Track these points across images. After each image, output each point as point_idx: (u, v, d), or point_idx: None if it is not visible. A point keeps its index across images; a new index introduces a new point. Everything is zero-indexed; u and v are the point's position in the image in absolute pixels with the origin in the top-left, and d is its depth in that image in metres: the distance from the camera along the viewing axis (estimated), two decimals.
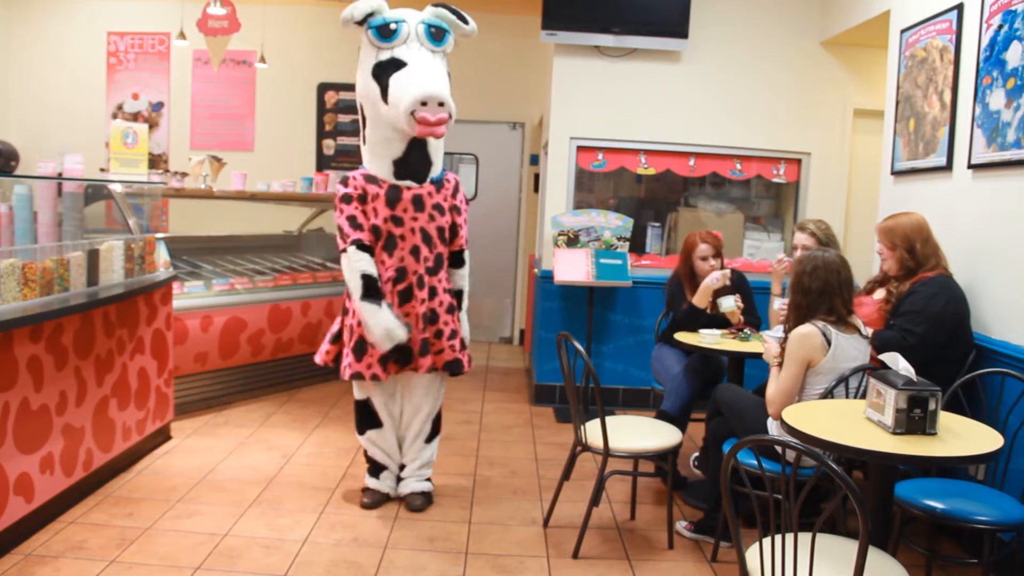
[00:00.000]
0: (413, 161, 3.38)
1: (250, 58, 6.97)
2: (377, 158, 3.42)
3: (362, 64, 3.37)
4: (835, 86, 5.37)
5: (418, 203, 3.40)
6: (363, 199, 3.39)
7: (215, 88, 7.37)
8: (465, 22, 3.41)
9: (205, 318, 4.75)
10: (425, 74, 3.23)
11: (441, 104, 3.17)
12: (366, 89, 3.35)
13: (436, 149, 3.46)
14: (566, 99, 5.36)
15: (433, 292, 3.48)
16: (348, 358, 3.44)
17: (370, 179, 3.41)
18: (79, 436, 3.39)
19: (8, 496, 2.89)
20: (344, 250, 3.35)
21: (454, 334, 3.53)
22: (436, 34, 3.32)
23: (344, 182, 3.41)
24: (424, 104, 3.15)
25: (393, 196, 3.38)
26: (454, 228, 3.56)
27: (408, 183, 3.40)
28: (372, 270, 3.33)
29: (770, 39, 5.34)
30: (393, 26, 3.26)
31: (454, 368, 3.53)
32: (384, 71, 3.27)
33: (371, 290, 3.31)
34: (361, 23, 3.29)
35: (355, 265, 3.32)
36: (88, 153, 4.45)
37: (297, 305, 5.34)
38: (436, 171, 3.49)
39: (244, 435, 4.50)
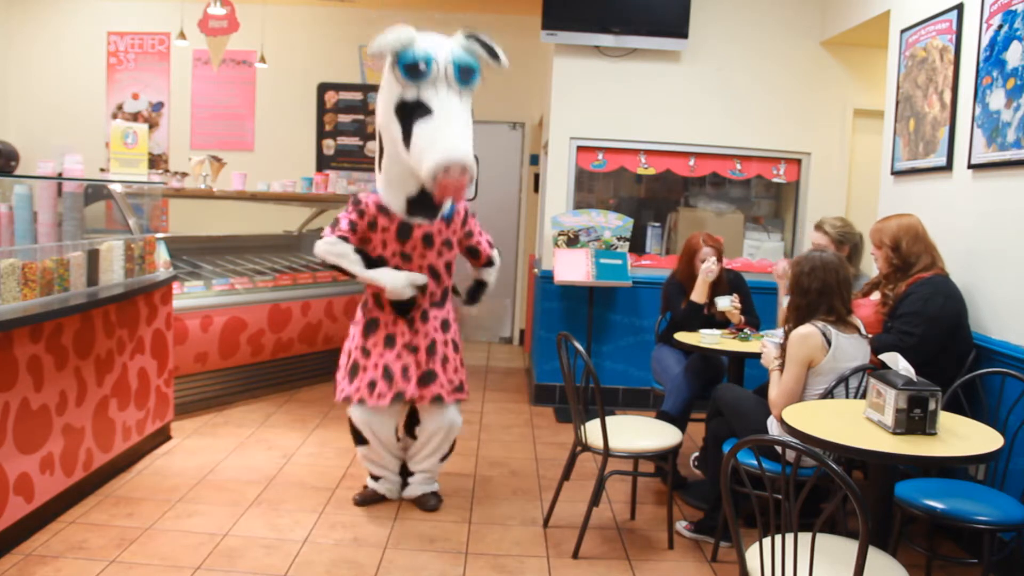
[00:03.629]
0: (427, 200, 3.31)
1: (250, 58, 6.97)
2: (392, 191, 3.35)
3: (384, 93, 3.24)
4: (835, 86, 5.37)
5: (428, 241, 3.39)
6: (372, 227, 3.37)
7: (215, 88, 7.37)
8: (497, 58, 3.23)
9: (205, 318, 4.75)
10: (451, 134, 3.07)
11: (464, 170, 3.04)
12: (387, 124, 3.23)
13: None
14: (566, 99, 5.36)
15: (446, 324, 3.52)
16: (343, 381, 3.49)
17: (382, 209, 3.36)
18: (79, 436, 3.39)
19: (8, 496, 2.89)
20: (324, 236, 3.36)
21: (463, 363, 3.63)
22: (465, 75, 3.15)
23: (357, 203, 3.38)
24: (447, 171, 3.02)
25: (403, 233, 3.36)
26: (473, 250, 3.61)
27: (419, 220, 3.36)
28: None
29: (770, 39, 5.34)
30: (422, 66, 3.07)
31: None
32: (408, 113, 3.13)
33: (369, 261, 3.35)
34: (392, 55, 3.12)
35: (339, 249, 3.33)
36: (88, 153, 4.45)
37: (297, 305, 5.34)
38: (448, 206, 3.43)
39: (244, 435, 4.50)
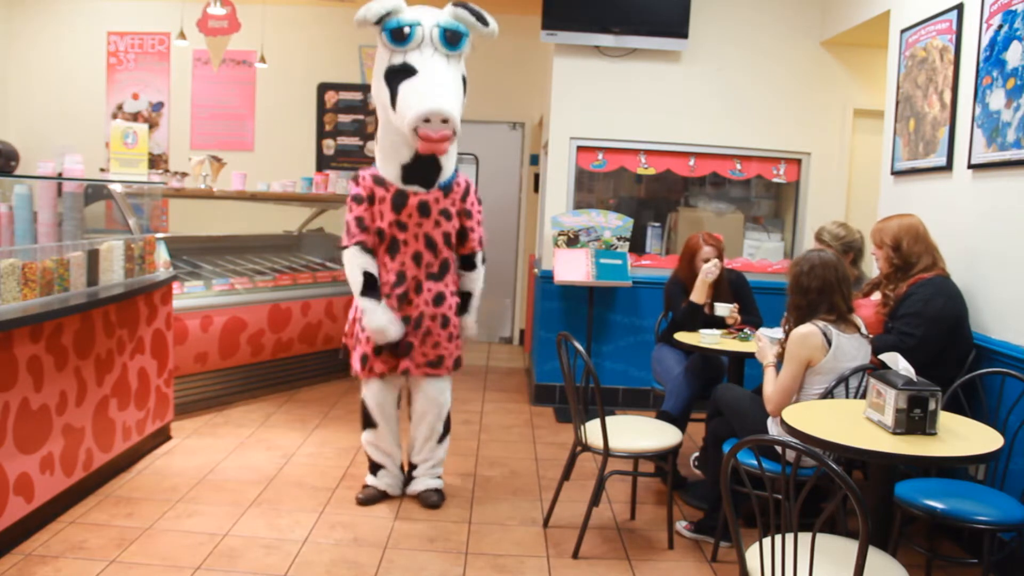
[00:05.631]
0: (421, 167, 3.35)
1: (250, 58, 6.97)
2: (387, 161, 3.41)
3: (377, 65, 3.33)
4: (835, 86, 5.37)
5: (423, 209, 3.40)
6: (371, 200, 3.44)
7: (215, 88, 7.37)
8: (485, 23, 3.30)
9: (205, 318, 4.75)
10: (432, 87, 3.15)
11: (445, 121, 3.11)
12: (378, 92, 3.33)
13: (447, 155, 3.38)
14: (566, 99, 5.36)
15: (440, 297, 3.50)
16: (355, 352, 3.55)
17: (379, 181, 3.43)
18: (79, 436, 3.39)
19: (8, 496, 2.89)
20: (346, 247, 3.45)
21: (451, 337, 3.58)
22: (451, 38, 3.22)
23: (355, 180, 3.48)
24: (427, 121, 3.10)
25: (399, 201, 3.38)
26: (463, 232, 3.56)
27: (415, 188, 3.38)
28: (373, 268, 3.44)
29: (770, 39, 5.34)
30: (407, 30, 3.18)
31: (457, 364, 3.62)
32: (395, 76, 3.22)
33: (370, 287, 3.42)
34: (376, 23, 3.22)
35: (356, 262, 3.43)
36: (88, 153, 4.45)
37: (297, 305, 5.34)
38: (446, 175, 3.44)
39: (244, 435, 4.50)
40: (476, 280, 3.68)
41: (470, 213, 3.55)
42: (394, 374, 3.52)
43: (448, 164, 3.43)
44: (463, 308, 3.66)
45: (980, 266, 3.37)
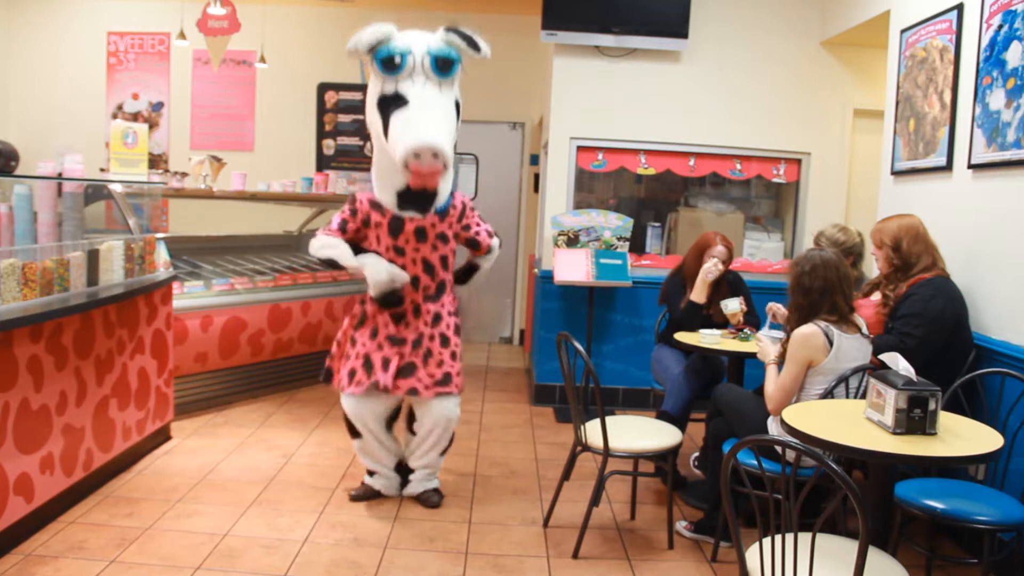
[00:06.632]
0: (416, 193, 3.33)
1: (250, 58, 6.97)
2: (383, 186, 3.41)
3: (370, 90, 3.32)
4: (835, 86, 5.37)
5: (420, 234, 3.40)
6: (366, 223, 3.45)
7: (215, 88, 7.37)
8: (477, 48, 3.26)
9: (205, 318, 4.75)
10: (422, 120, 3.13)
11: (436, 155, 3.09)
12: (372, 118, 3.32)
13: (442, 179, 3.35)
14: (566, 99, 5.36)
15: (437, 318, 3.49)
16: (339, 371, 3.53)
17: (375, 205, 3.43)
18: (79, 436, 3.39)
19: (8, 496, 2.89)
20: (318, 235, 3.54)
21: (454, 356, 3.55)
22: (443, 66, 3.19)
23: (352, 201, 3.49)
24: (417, 156, 3.08)
25: (395, 227, 3.39)
26: (473, 243, 3.59)
27: (411, 214, 3.37)
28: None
29: (770, 39, 5.34)
30: (398, 59, 3.15)
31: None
32: (388, 105, 3.20)
33: (359, 250, 3.48)
34: (369, 51, 3.19)
35: (330, 241, 3.49)
36: (88, 153, 4.45)
37: (297, 305, 5.34)
38: (442, 200, 3.43)
39: (244, 435, 4.50)
40: (488, 260, 3.73)
41: (469, 226, 3.56)
42: (392, 394, 3.45)
43: (443, 189, 3.41)
44: (464, 278, 3.75)
45: (980, 266, 3.37)
